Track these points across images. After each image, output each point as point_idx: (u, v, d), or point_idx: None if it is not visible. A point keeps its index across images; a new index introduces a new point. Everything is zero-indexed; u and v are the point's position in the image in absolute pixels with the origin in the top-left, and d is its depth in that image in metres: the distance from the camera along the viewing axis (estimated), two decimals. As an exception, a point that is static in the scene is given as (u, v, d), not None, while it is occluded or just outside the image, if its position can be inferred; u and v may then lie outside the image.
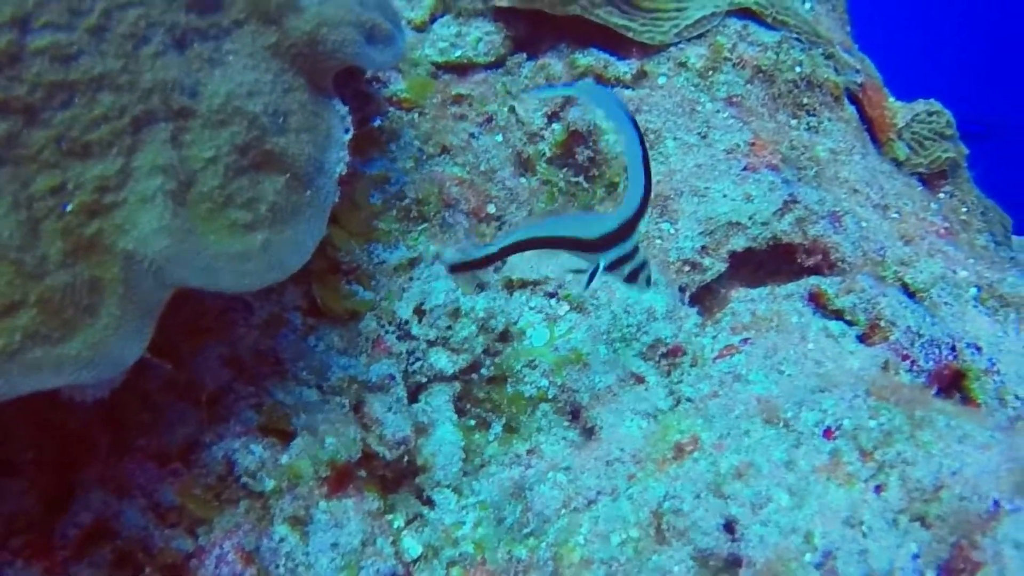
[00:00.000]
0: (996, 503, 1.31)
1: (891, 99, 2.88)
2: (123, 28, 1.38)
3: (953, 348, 1.89)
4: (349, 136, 1.64)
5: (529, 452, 1.78)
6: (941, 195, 2.81)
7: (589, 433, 1.79)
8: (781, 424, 1.53)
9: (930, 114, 2.82)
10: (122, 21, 1.38)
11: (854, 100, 2.70)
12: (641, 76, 2.39)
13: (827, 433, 1.50)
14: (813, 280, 2.01)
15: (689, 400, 1.75)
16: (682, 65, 2.41)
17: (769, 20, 2.50)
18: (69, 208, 1.27)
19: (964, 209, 2.80)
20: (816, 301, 1.96)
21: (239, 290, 1.39)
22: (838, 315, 1.92)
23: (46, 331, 1.22)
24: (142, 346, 1.30)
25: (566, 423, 1.83)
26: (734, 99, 2.40)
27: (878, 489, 1.40)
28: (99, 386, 1.30)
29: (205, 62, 1.47)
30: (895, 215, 2.40)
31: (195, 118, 1.42)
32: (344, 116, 1.65)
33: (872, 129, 2.78)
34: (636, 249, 1.51)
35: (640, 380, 1.80)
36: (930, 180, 2.81)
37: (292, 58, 1.59)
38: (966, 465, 1.37)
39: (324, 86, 1.64)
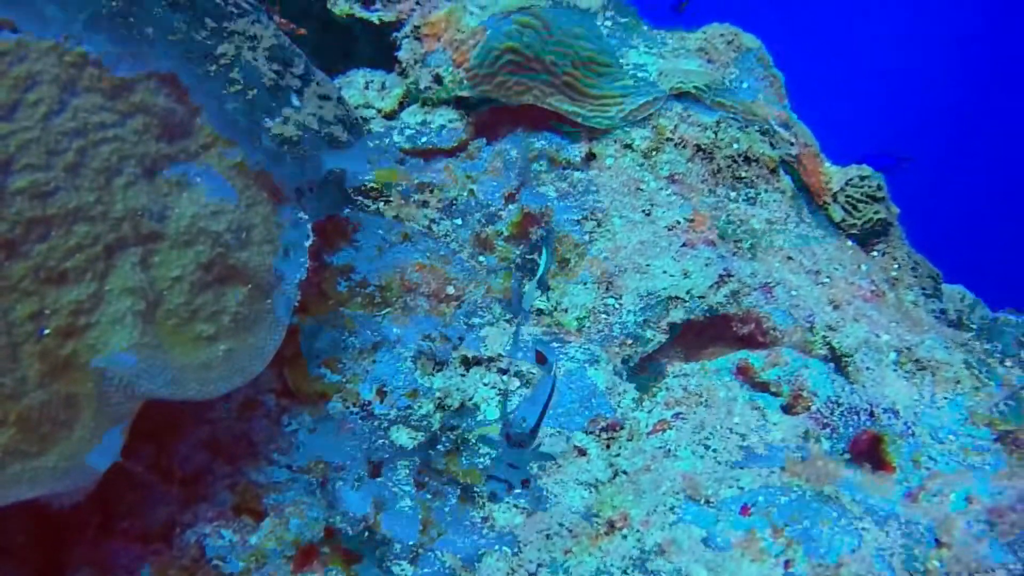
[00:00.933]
0: (887, 582, 1.35)
1: (827, 164, 2.93)
2: (97, 163, 1.43)
3: (871, 414, 1.93)
4: (310, 242, 1.69)
5: (484, 520, 1.81)
6: (875, 253, 2.85)
7: (538, 501, 1.83)
8: (703, 501, 1.57)
9: (862, 178, 2.86)
10: (96, 157, 1.43)
11: (790, 171, 2.75)
12: (590, 158, 2.44)
13: (743, 510, 1.54)
14: (742, 354, 2.05)
15: (625, 473, 1.79)
16: (628, 147, 2.46)
17: (708, 103, 2.55)
18: (46, 332, 1.32)
19: (896, 266, 2.84)
20: (744, 375, 2.00)
21: (204, 397, 1.43)
22: (764, 387, 1.97)
23: (25, 447, 1.26)
24: (115, 454, 1.34)
25: (517, 491, 1.87)
26: (676, 176, 2.45)
27: (786, 564, 1.44)
28: (73, 493, 1.34)
29: (174, 186, 1.52)
30: (826, 280, 2.45)
31: (163, 240, 1.46)
32: (306, 223, 1.71)
33: (810, 194, 2.83)
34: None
35: (583, 453, 1.84)
36: (864, 239, 2.85)
37: (255, 175, 1.64)
38: (864, 543, 1.42)
39: (286, 197, 1.69)
